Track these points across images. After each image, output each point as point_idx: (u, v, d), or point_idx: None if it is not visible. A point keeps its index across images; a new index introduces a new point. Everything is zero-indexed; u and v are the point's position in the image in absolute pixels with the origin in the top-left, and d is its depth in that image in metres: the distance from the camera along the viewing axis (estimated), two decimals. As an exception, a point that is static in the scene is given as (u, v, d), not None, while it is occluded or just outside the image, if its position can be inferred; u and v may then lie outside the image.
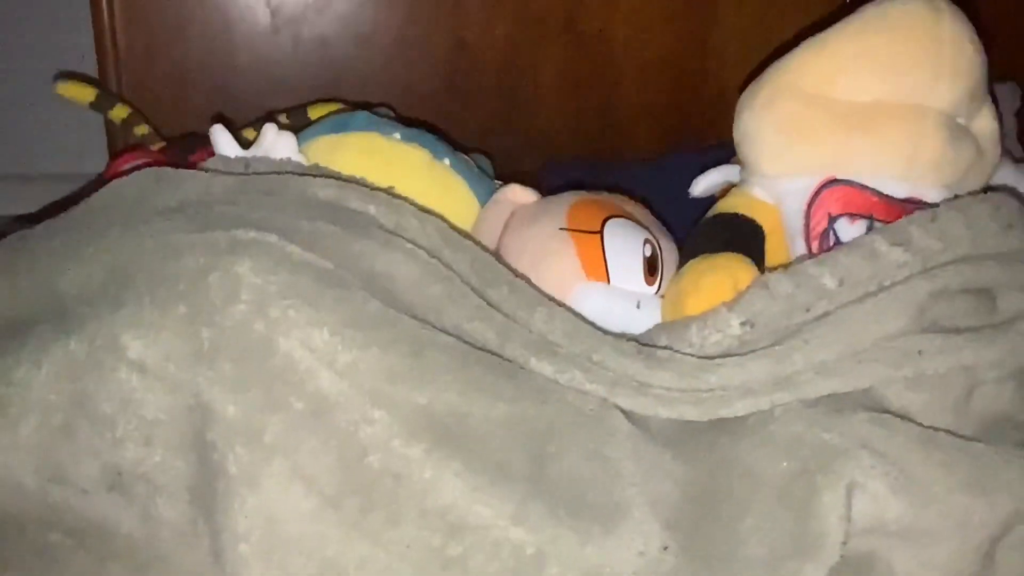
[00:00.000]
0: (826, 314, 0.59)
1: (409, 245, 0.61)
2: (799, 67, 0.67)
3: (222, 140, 0.70)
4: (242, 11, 1.08)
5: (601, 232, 0.69)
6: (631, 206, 0.74)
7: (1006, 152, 0.88)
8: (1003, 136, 0.91)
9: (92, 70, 1.08)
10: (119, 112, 0.92)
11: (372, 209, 0.63)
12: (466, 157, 0.81)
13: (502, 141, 1.12)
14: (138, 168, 0.67)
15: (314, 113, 0.91)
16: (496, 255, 0.69)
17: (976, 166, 0.68)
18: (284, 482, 0.52)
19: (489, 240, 0.72)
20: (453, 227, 0.66)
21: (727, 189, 0.77)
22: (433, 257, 0.62)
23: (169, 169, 0.65)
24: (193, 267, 0.55)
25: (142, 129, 0.92)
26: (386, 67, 1.12)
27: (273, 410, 0.52)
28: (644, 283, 0.68)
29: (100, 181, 0.81)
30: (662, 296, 0.68)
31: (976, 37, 0.66)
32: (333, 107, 0.91)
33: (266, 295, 0.53)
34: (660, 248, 0.70)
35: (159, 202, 0.62)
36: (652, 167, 0.96)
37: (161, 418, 0.53)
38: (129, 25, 1.06)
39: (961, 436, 0.57)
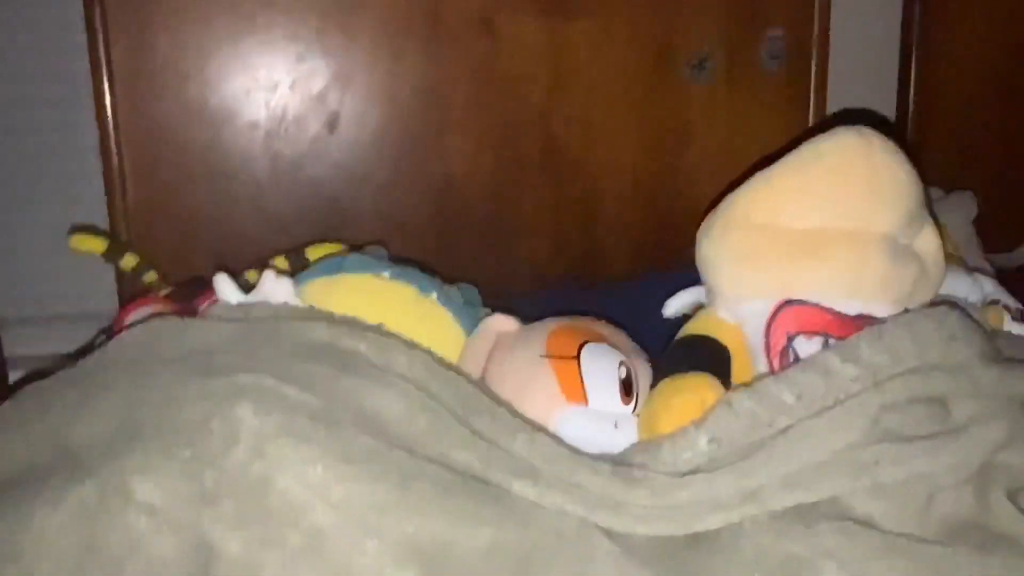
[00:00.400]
0: (787, 428, 0.62)
1: (397, 380, 0.66)
2: (747, 200, 0.73)
3: (225, 288, 0.76)
4: (244, 160, 1.16)
5: (578, 357, 0.73)
6: (606, 330, 0.79)
7: (960, 262, 0.93)
8: (959, 244, 0.97)
9: (103, 218, 1.15)
10: (128, 261, 0.99)
11: (362, 347, 0.68)
12: (452, 289, 0.86)
13: (491, 268, 1.19)
14: (146, 318, 0.73)
15: (312, 254, 0.97)
16: (481, 384, 0.74)
17: (921, 281, 0.73)
18: (284, 616, 0.54)
19: (475, 369, 0.77)
20: (439, 359, 0.71)
21: (697, 309, 0.81)
22: (420, 390, 0.66)
23: (173, 321, 0.70)
24: (196, 413, 0.59)
25: (150, 277, 0.98)
26: (379, 205, 1.19)
27: (271, 546, 0.55)
28: (621, 403, 0.72)
29: (111, 330, 0.86)
30: (638, 415, 0.72)
31: (908, 165, 0.72)
32: (330, 248, 0.97)
33: (263, 436, 0.58)
34: (634, 369, 0.74)
35: (164, 353, 0.66)
36: (628, 289, 1.01)
37: (168, 558, 0.56)
38: (137, 177, 1.14)
39: (924, 540, 0.59)
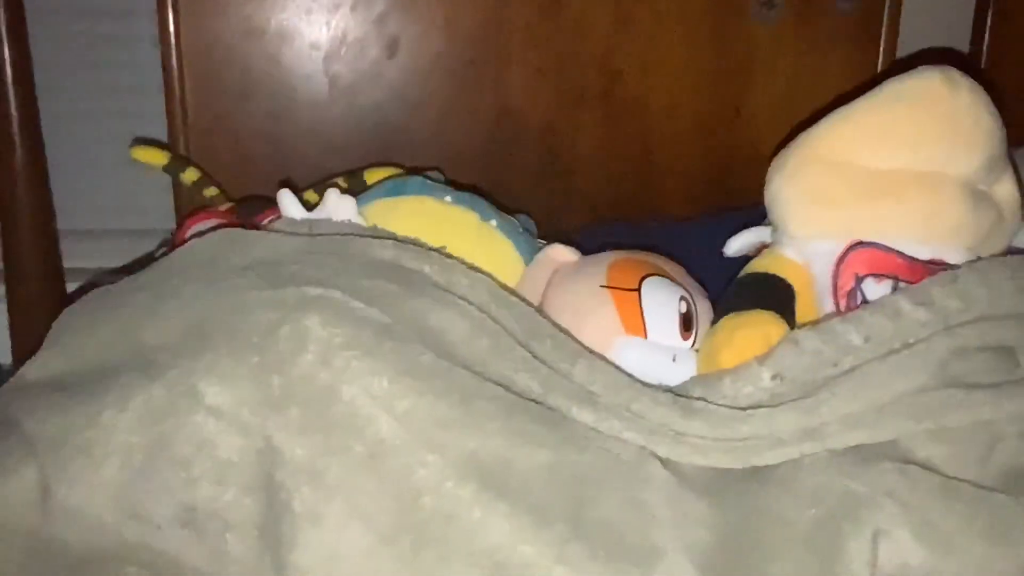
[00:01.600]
0: (852, 369, 0.62)
1: (460, 302, 0.66)
2: (825, 137, 0.72)
3: (288, 203, 0.76)
4: (302, 81, 1.16)
5: (639, 290, 0.73)
6: (667, 265, 0.78)
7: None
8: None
9: (163, 135, 1.16)
10: (190, 175, 0.99)
11: (426, 268, 0.68)
12: (511, 218, 0.86)
13: (545, 201, 1.18)
14: (212, 229, 0.74)
15: (370, 177, 0.97)
16: (540, 311, 0.74)
17: (996, 230, 0.71)
18: (344, 520, 0.56)
19: (533, 297, 0.77)
20: (500, 284, 0.71)
21: (760, 249, 0.80)
22: (482, 312, 0.66)
23: (241, 231, 0.71)
24: (265, 321, 0.60)
25: (211, 191, 0.99)
26: (435, 132, 1.18)
27: (335, 453, 0.57)
28: (680, 338, 0.72)
29: (172, 240, 0.88)
30: (697, 350, 0.72)
31: (993, 108, 0.70)
32: (388, 171, 0.97)
33: (331, 347, 0.58)
34: (695, 305, 0.74)
35: (233, 261, 0.67)
36: (688, 227, 1.00)
37: (234, 459, 0.58)
38: (197, 94, 1.14)
39: (983, 487, 0.59)
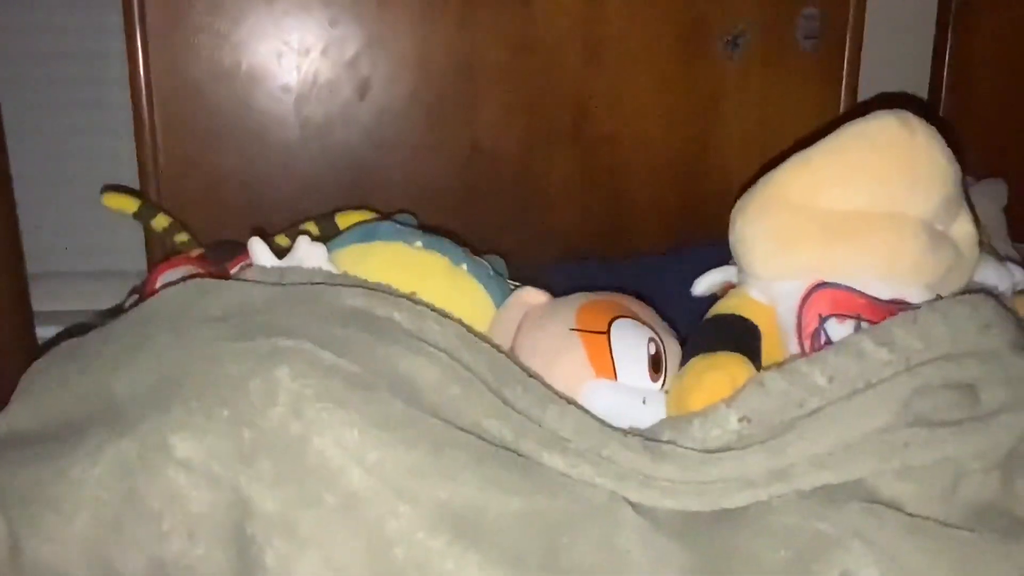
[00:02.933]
0: (818, 410, 0.63)
1: (430, 348, 0.66)
2: (786, 180, 0.73)
3: (259, 251, 0.76)
4: (274, 122, 1.16)
5: (608, 332, 0.74)
6: (636, 306, 0.79)
7: (991, 250, 0.93)
8: (990, 231, 0.97)
9: (133, 174, 1.16)
10: (160, 222, 0.99)
11: (396, 315, 0.69)
12: (482, 260, 0.87)
13: (516, 237, 1.19)
14: (182, 279, 0.74)
15: (342, 221, 0.97)
16: (511, 355, 0.74)
17: (956, 267, 0.73)
18: (317, 573, 0.56)
19: (504, 340, 0.77)
20: (471, 330, 0.72)
21: (727, 288, 0.82)
22: (453, 359, 0.67)
23: (212, 280, 0.71)
24: (235, 373, 0.60)
25: (181, 237, 0.99)
26: (408, 171, 1.19)
27: (308, 505, 0.57)
28: (649, 379, 0.72)
29: (143, 287, 0.87)
30: (666, 391, 0.72)
31: (948, 150, 0.72)
32: (360, 216, 0.97)
33: (302, 398, 0.58)
34: (663, 346, 0.74)
35: (204, 311, 0.67)
36: (658, 263, 1.02)
37: (205, 512, 0.57)
38: (168, 136, 1.15)
39: (949, 524, 0.60)
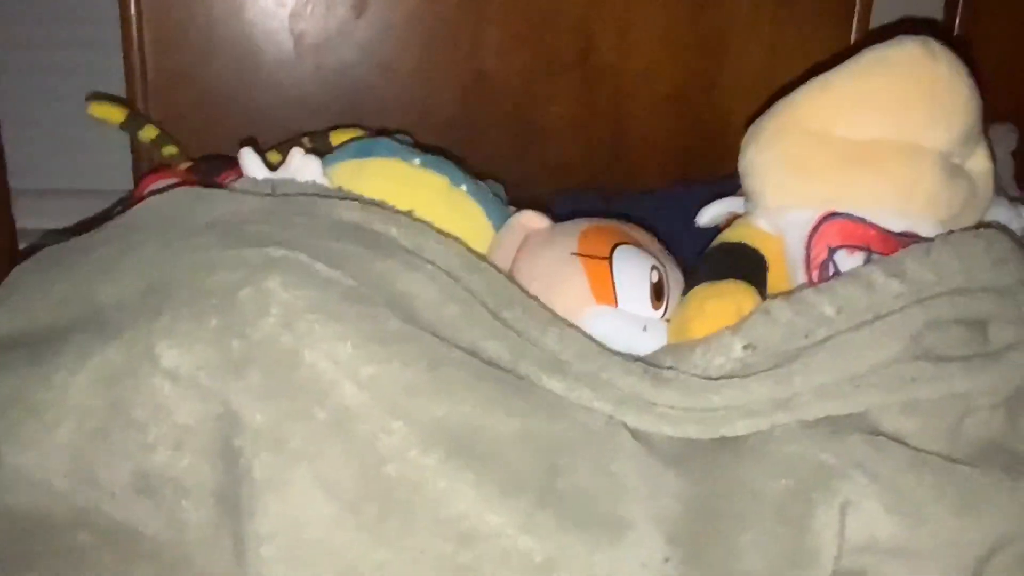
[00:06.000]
0: (825, 340, 0.61)
1: (429, 266, 0.64)
2: (802, 106, 0.71)
3: (251, 162, 0.74)
4: (267, 37, 1.12)
5: (610, 258, 0.72)
6: (639, 234, 0.77)
7: (1001, 191, 0.91)
8: (999, 175, 0.95)
9: (122, 91, 1.12)
10: (148, 132, 0.96)
11: (394, 231, 0.67)
12: (482, 183, 0.85)
13: (516, 168, 1.16)
14: (172, 187, 0.71)
15: (336, 139, 0.94)
16: (510, 278, 0.72)
17: (970, 203, 0.71)
18: (307, 488, 0.54)
19: (503, 263, 0.75)
20: (470, 250, 0.70)
21: (732, 219, 0.80)
22: (451, 278, 0.65)
23: (204, 188, 0.68)
24: (226, 282, 0.58)
25: (170, 149, 0.96)
26: (406, 94, 1.15)
27: (298, 419, 0.55)
28: (651, 307, 0.71)
29: (130, 199, 0.85)
30: (668, 320, 0.71)
31: (971, 80, 0.70)
32: (354, 133, 0.94)
33: (294, 309, 0.56)
34: (666, 274, 0.73)
35: (194, 220, 0.65)
36: (660, 197, 1.00)
37: (191, 424, 0.56)
38: (157, 50, 1.10)
39: (953, 460, 0.59)
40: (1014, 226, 0.84)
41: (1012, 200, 0.89)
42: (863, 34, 1.28)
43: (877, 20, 1.28)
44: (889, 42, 0.70)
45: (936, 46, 0.69)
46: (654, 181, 1.19)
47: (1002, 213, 0.83)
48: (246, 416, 0.55)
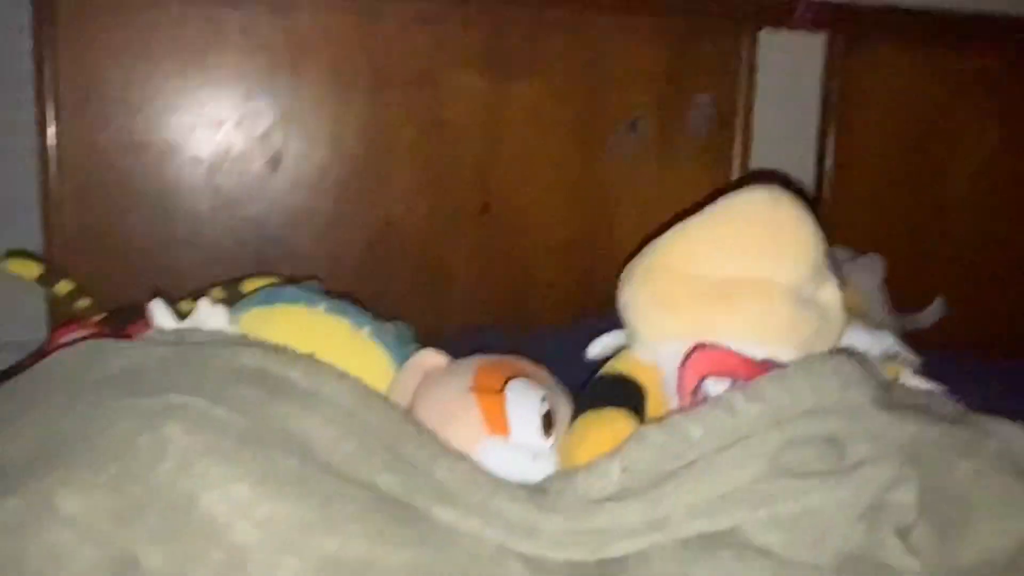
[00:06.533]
0: (694, 462, 0.66)
1: (326, 407, 0.68)
2: (666, 249, 0.79)
3: (159, 313, 0.77)
4: (184, 192, 1.18)
5: (503, 391, 0.76)
6: (531, 368, 0.82)
7: (866, 318, 1.00)
8: (868, 302, 1.04)
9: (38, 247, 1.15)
10: (63, 287, 0.99)
11: (293, 374, 0.70)
12: (387, 325, 0.89)
13: (423, 310, 1.21)
14: (82, 339, 0.74)
15: (248, 286, 0.98)
16: (408, 414, 0.76)
17: (823, 331, 0.78)
18: (204, 629, 0.56)
19: (403, 400, 0.79)
20: (367, 389, 0.73)
21: (619, 351, 0.85)
22: (348, 416, 0.68)
23: (108, 342, 0.71)
24: (124, 430, 0.61)
25: (84, 303, 0.99)
26: (317, 242, 1.22)
27: (194, 561, 0.57)
28: (542, 436, 0.75)
29: (42, 352, 0.87)
30: (557, 448, 0.75)
31: (813, 222, 0.78)
32: (266, 281, 0.99)
33: (191, 454, 0.59)
34: (555, 405, 0.77)
35: (98, 372, 0.68)
36: (555, 334, 1.05)
37: (89, 571, 0.57)
38: (76, 204, 1.15)
39: (817, 568, 0.63)
40: (875, 350, 0.91)
41: (874, 327, 0.97)
42: (744, 171, 1.40)
43: (756, 161, 1.40)
44: (739, 191, 0.79)
45: (780, 194, 0.78)
46: (553, 316, 1.26)
47: (862, 339, 0.90)
48: (143, 559, 0.57)
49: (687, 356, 0.75)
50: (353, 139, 1.22)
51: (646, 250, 0.80)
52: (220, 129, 1.18)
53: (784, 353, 0.75)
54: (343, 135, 1.22)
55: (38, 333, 1.20)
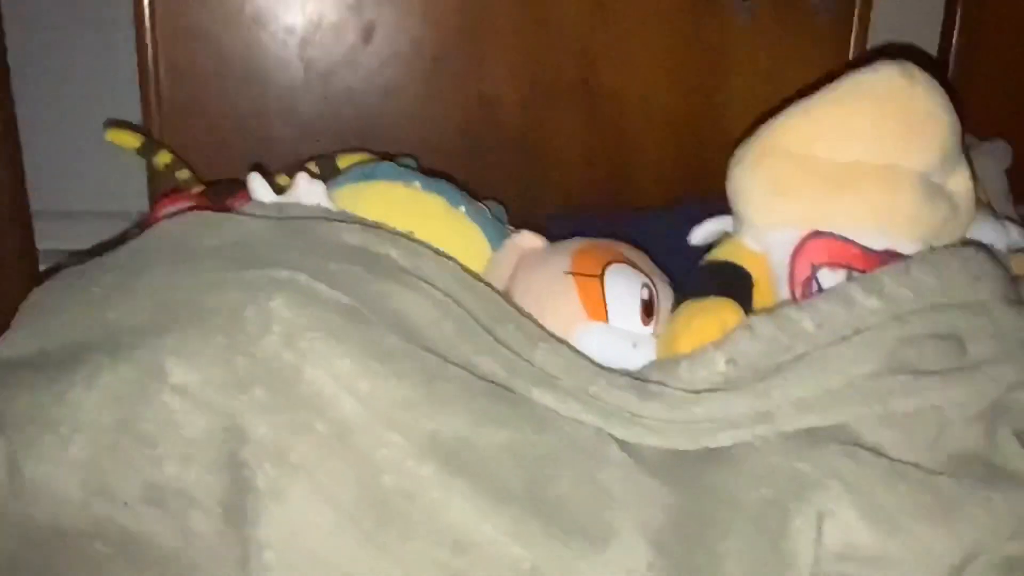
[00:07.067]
0: (805, 355, 0.64)
1: (425, 285, 0.67)
2: (785, 129, 0.74)
3: (258, 187, 0.77)
4: (276, 65, 1.16)
5: (602, 276, 0.74)
6: (631, 252, 0.80)
7: (990, 208, 0.93)
8: (990, 192, 0.97)
9: (138, 119, 1.17)
10: (162, 158, 1.00)
11: (392, 252, 0.70)
12: (481, 205, 0.88)
13: (519, 190, 1.19)
14: (182, 212, 0.74)
15: (343, 162, 0.98)
16: (505, 296, 0.75)
17: (950, 222, 0.73)
18: (307, 498, 0.57)
19: (499, 282, 0.78)
20: (466, 269, 0.72)
21: (723, 237, 0.82)
22: (447, 296, 0.68)
23: (211, 213, 0.72)
24: (231, 301, 0.61)
25: (183, 174, 0.99)
26: (410, 119, 1.19)
27: (299, 432, 0.58)
28: (641, 324, 0.73)
29: (144, 222, 0.88)
30: (657, 336, 0.73)
31: (949, 103, 0.72)
32: (360, 157, 0.97)
33: (295, 328, 0.60)
34: (657, 291, 0.75)
35: (202, 243, 0.68)
36: (655, 217, 1.02)
37: (198, 438, 0.59)
38: (171, 79, 1.14)
39: (930, 470, 0.61)
40: (1001, 243, 0.86)
41: (1000, 218, 0.91)
42: (861, 51, 1.31)
43: (875, 38, 1.31)
44: (867, 67, 0.73)
45: (914, 71, 0.72)
46: (656, 200, 1.22)
47: (988, 231, 0.84)
48: (250, 429, 0.58)
49: (801, 244, 0.71)
50: (449, 11, 1.17)
51: (760, 130, 0.75)
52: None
53: (907, 245, 0.71)
54: (438, 6, 1.17)
55: (141, 203, 1.23)
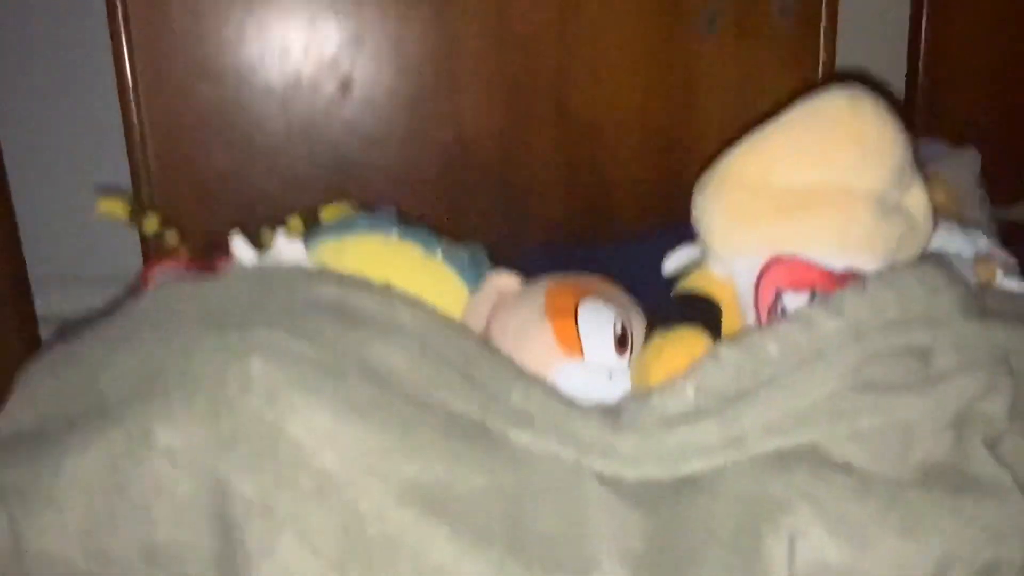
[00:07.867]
0: (770, 379, 0.66)
1: (401, 334, 0.70)
2: (741, 159, 0.76)
3: (240, 250, 0.80)
4: (260, 122, 1.19)
5: (575, 313, 0.76)
6: (603, 286, 0.82)
7: (958, 215, 0.95)
8: (956, 201, 0.99)
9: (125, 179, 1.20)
10: (150, 225, 1.02)
11: (369, 304, 0.72)
12: (458, 249, 0.90)
13: (501, 225, 1.22)
14: (171, 277, 0.77)
15: (326, 214, 1.00)
16: (484, 337, 0.77)
17: (909, 237, 0.75)
18: (295, 551, 0.59)
19: (478, 324, 0.80)
20: (441, 315, 0.75)
21: (694, 265, 0.84)
22: (423, 343, 0.70)
23: (192, 284, 0.75)
24: (212, 365, 0.64)
25: (172, 238, 1.02)
26: (391, 166, 1.22)
27: (284, 487, 0.60)
28: (615, 355, 0.75)
29: (135, 287, 0.91)
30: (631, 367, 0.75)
31: (896, 123, 0.74)
32: (342, 209, 1.00)
33: (275, 386, 0.62)
34: (630, 323, 0.77)
35: (184, 311, 0.71)
36: (633, 247, 1.04)
37: (188, 499, 0.61)
38: (157, 139, 1.18)
39: (900, 484, 0.63)
40: (967, 252, 0.87)
41: (967, 225, 0.92)
42: (830, 67, 1.33)
43: (843, 43, 1.32)
44: (817, 94, 0.75)
45: (861, 95, 0.74)
46: (637, 221, 1.24)
47: (954, 240, 0.86)
48: (236, 487, 0.60)
49: (764, 270, 0.73)
50: (420, 56, 1.20)
51: (719, 161, 0.77)
52: (289, 55, 1.18)
53: (866, 263, 0.73)
54: (411, 52, 1.20)
55: (136, 262, 1.26)
